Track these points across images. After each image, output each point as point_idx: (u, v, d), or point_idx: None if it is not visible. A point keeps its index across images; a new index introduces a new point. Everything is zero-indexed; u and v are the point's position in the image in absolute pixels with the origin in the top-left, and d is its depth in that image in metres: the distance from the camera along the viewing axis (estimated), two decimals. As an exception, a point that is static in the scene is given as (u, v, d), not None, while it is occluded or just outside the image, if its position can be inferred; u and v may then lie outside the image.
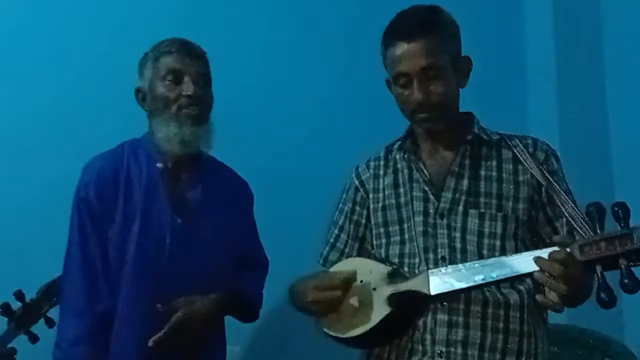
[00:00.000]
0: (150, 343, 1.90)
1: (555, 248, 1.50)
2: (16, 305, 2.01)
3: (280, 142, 2.66)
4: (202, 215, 2.03)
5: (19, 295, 1.99)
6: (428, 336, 1.67)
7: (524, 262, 1.56)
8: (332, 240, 1.94)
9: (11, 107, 2.48)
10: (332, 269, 1.82)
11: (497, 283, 1.63)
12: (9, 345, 2.00)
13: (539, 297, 1.52)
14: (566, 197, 1.66)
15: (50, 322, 2.04)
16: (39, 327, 2.07)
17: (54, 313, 2.03)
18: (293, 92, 2.72)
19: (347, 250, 1.91)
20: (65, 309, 1.95)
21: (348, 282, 1.71)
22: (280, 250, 2.33)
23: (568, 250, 1.48)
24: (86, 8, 2.61)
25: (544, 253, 1.51)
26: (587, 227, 1.51)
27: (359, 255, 1.88)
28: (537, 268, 1.50)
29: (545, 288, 1.50)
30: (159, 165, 2.02)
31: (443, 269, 1.64)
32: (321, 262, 1.93)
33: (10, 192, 2.44)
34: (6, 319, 2.01)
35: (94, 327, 1.92)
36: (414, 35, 1.69)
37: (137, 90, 2.04)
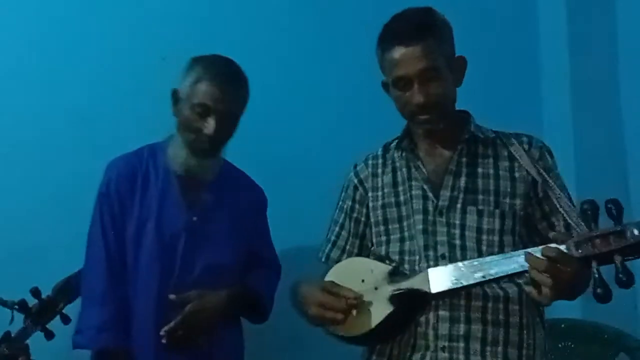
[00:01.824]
0: (161, 332, 2.06)
1: (553, 245, 1.59)
2: (32, 302, 2.07)
3: (285, 141, 2.74)
4: (216, 215, 2.20)
5: (36, 292, 2.08)
6: (431, 332, 1.77)
7: (522, 260, 1.63)
8: (333, 237, 2.04)
9: (27, 108, 2.58)
10: (333, 271, 1.91)
11: (497, 280, 1.73)
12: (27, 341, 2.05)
13: (527, 287, 1.63)
14: (561, 193, 1.76)
15: (65, 319, 2.13)
16: (55, 324, 2.14)
17: (69, 310, 2.13)
18: (299, 91, 2.74)
19: (348, 247, 2.01)
20: (88, 298, 2.10)
21: (351, 305, 1.78)
22: (289, 247, 2.47)
23: (564, 246, 1.57)
24: (102, 9, 2.69)
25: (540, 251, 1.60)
26: (582, 223, 1.59)
27: (360, 251, 1.99)
28: None
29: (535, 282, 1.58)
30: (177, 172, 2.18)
31: (443, 267, 1.74)
32: (323, 259, 2.04)
33: (26, 190, 2.54)
34: (23, 315, 2.05)
35: (118, 315, 2.08)
36: (412, 39, 1.78)
37: (174, 92, 2.19)
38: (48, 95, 2.60)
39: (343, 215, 2.03)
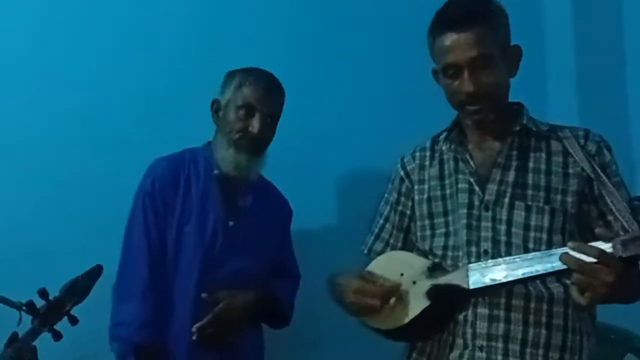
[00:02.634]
0: (193, 329, 2.18)
1: (599, 242, 1.55)
2: (40, 303, 2.07)
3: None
4: (250, 221, 2.36)
5: (43, 293, 2.11)
6: (469, 330, 1.76)
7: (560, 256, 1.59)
8: (377, 230, 2.05)
9: (32, 108, 2.64)
10: (373, 264, 1.92)
11: (538, 278, 1.69)
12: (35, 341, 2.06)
13: (572, 288, 1.58)
14: (615, 191, 1.71)
15: (73, 320, 2.13)
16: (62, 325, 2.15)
17: (77, 311, 2.13)
18: (300, 91, 2.76)
19: (391, 240, 2.02)
20: (129, 292, 2.23)
21: (389, 293, 1.78)
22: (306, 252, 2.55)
23: (609, 245, 1.53)
24: (102, 8, 2.74)
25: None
26: (634, 223, 1.57)
27: (404, 245, 1.98)
28: None
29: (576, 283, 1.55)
30: (216, 172, 2.32)
31: (483, 263, 1.72)
32: (365, 251, 2.05)
33: (34, 190, 2.60)
34: (30, 316, 2.05)
35: (158, 311, 2.19)
36: (464, 25, 1.75)
37: (214, 102, 2.36)
38: (52, 96, 2.64)
39: (388, 207, 2.03)
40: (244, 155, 2.28)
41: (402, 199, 1.99)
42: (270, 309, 2.39)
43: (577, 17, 2.94)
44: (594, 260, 1.51)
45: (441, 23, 1.80)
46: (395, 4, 2.88)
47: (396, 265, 1.85)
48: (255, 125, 2.26)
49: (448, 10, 1.81)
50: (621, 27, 2.95)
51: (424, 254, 1.88)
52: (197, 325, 2.20)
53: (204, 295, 2.22)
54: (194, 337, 2.19)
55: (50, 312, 2.11)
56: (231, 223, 2.31)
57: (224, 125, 2.32)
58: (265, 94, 2.28)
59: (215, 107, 2.36)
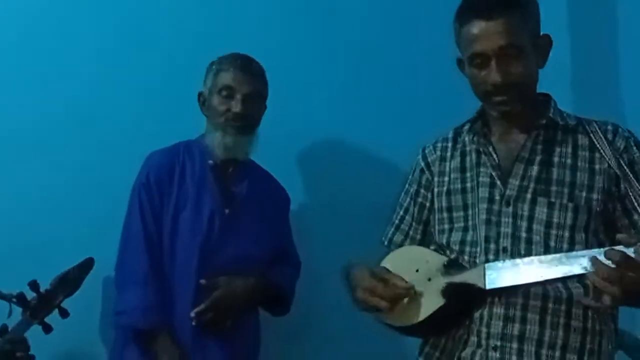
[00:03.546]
0: (192, 314, 2.24)
1: (620, 247, 1.52)
2: (31, 295, 2.08)
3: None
4: (246, 209, 2.42)
5: (34, 286, 2.13)
6: (483, 329, 1.74)
7: (585, 261, 1.56)
8: (396, 221, 2.03)
9: (28, 105, 2.63)
10: (388, 258, 1.89)
11: (556, 281, 1.67)
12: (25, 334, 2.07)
13: (584, 299, 1.58)
14: None
15: (64, 313, 2.15)
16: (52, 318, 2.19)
17: (68, 304, 2.14)
18: (302, 90, 2.78)
19: (411, 232, 1.99)
20: (129, 280, 2.29)
21: (399, 295, 1.76)
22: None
23: (632, 249, 1.50)
24: (104, 7, 2.73)
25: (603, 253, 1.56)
26: None
27: (424, 238, 1.96)
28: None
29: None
30: (210, 162, 2.41)
31: (500, 263, 1.70)
32: (385, 242, 2.03)
33: (24, 184, 2.59)
34: (21, 309, 2.07)
35: (160, 296, 2.25)
36: (493, 13, 1.71)
37: (199, 94, 2.49)
38: (48, 93, 2.64)
39: (408, 199, 2.00)
40: (230, 137, 2.38)
41: (422, 190, 1.95)
42: (271, 296, 2.45)
43: (571, 13, 2.94)
44: (613, 262, 1.48)
45: (469, 10, 1.76)
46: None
47: (411, 261, 1.82)
48: (236, 104, 2.36)
49: None
50: (616, 26, 2.96)
51: (442, 248, 1.86)
52: (195, 310, 2.25)
53: (202, 281, 2.28)
54: (194, 323, 2.25)
55: (41, 305, 2.14)
56: (227, 211, 2.38)
57: (210, 113, 2.43)
58: (242, 73, 2.39)
59: (202, 99, 2.48)
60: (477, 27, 1.71)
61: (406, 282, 1.77)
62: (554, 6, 2.98)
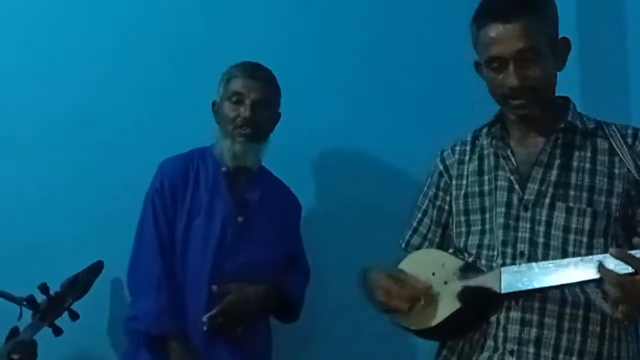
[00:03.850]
0: (203, 319, 2.24)
1: (637, 252, 1.51)
2: (41, 298, 2.10)
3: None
4: (259, 216, 2.44)
5: (44, 289, 2.15)
6: (500, 333, 1.74)
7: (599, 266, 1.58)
8: (415, 224, 2.03)
9: (32, 105, 2.65)
10: (405, 261, 1.90)
11: (573, 286, 1.66)
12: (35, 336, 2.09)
13: (598, 300, 1.57)
14: None
15: (74, 316, 2.17)
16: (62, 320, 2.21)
17: (77, 306, 2.15)
18: (304, 90, 2.78)
19: (429, 235, 1.99)
20: (142, 286, 2.29)
21: (418, 294, 1.77)
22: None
23: None
24: (106, 6, 2.75)
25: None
26: None
27: (443, 241, 1.96)
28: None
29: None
30: (224, 169, 2.42)
31: (516, 267, 1.70)
32: (403, 245, 2.03)
33: (34, 186, 2.61)
34: (31, 311, 2.09)
35: (173, 302, 2.25)
36: (511, 16, 1.71)
37: (213, 103, 2.50)
38: (53, 93, 2.67)
39: (427, 201, 1.99)
40: (239, 145, 2.39)
41: (441, 193, 1.95)
42: (281, 303, 2.46)
43: (579, 15, 2.93)
44: (632, 269, 1.48)
45: (486, 13, 1.75)
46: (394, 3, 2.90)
47: (428, 264, 1.83)
48: (244, 110, 2.38)
49: (492, 0, 1.78)
50: (625, 28, 2.95)
51: (459, 251, 1.85)
52: (207, 314, 2.26)
53: (214, 287, 2.28)
54: (205, 328, 2.25)
55: (51, 308, 2.15)
56: (240, 219, 2.40)
57: (221, 120, 2.45)
58: (251, 80, 2.40)
59: (215, 107, 2.49)
60: (494, 30, 1.71)
61: (422, 283, 1.77)
62: (562, 8, 2.99)
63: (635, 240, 1.53)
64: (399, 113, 2.83)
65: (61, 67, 2.67)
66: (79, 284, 2.23)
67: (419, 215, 2.00)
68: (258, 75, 2.42)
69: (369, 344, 2.58)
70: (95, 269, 2.30)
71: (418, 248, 1.97)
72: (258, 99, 2.39)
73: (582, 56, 2.94)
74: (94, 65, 2.69)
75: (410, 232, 2.01)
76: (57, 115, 2.64)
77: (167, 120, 2.67)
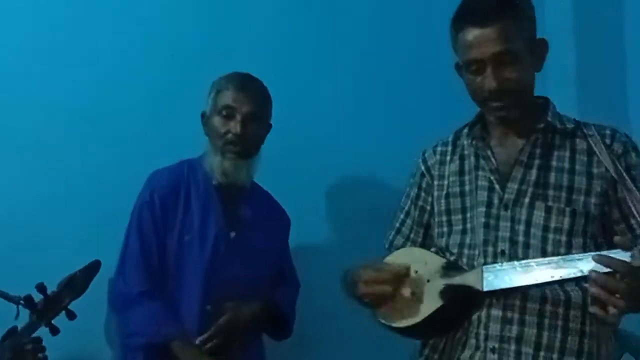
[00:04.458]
0: (197, 341, 2.24)
1: (618, 250, 1.54)
2: (38, 297, 2.10)
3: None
4: (252, 232, 2.41)
5: (41, 288, 2.13)
6: (482, 331, 1.77)
7: (583, 264, 1.59)
8: (397, 224, 2.06)
9: (34, 104, 2.66)
10: (387, 259, 1.92)
11: (554, 284, 1.69)
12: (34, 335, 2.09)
13: (592, 308, 1.55)
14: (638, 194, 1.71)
15: (71, 315, 2.16)
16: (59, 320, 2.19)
17: (75, 306, 2.17)
18: (305, 89, 2.80)
19: (412, 235, 2.02)
20: (131, 301, 2.26)
21: (398, 275, 1.81)
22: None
23: (629, 254, 1.52)
24: (108, 5, 2.77)
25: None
26: None
27: (425, 240, 1.99)
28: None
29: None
30: (214, 182, 2.37)
31: (498, 265, 1.73)
32: (387, 246, 2.07)
33: (31, 186, 2.61)
34: (28, 311, 2.09)
35: (166, 308, 2.24)
36: (488, 19, 1.73)
37: (202, 114, 2.44)
38: (53, 93, 2.67)
39: (409, 202, 2.02)
40: (230, 162, 2.34)
41: (423, 194, 1.98)
42: (273, 320, 2.44)
43: (577, 15, 2.95)
44: (615, 272, 1.50)
45: (464, 17, 1.78)
46: (391, 7, 2.91)
47: (410, 262, 1.84)
48: (236, 125, 2.32)
49: (470, 4, 1.80)
50: (622, 26, 2.97)
51: (441, 250, 1.88)
52: (200, 338, 2.25)
53: (208, 307, 2.27)
54: (197, 343, 2.24)
55: (48, 307, 2.15)
56: (233, 234, 2.37)
57: (211, 134, 2.39)
58: (242, 93, 2.35)
59: (205, 119, 2.43)
60: (472, 33, 1.74)
61: (401, 266, 1.81)
62: (559, 8, 3.01)
63: (616, 238, 1.56)
64: (390, 115, 2.86)
65: (61, 67, 2.67)
66: (76, 284, 2.21)
67: (402, 216, 2.03)
68: (249, 87, 2.37)
69: (362, 349, 2.60)
70: (93, 268, 2.28)
71: (401, 248, 1.98)
72: (249, 112, 2.33)
73: (580, 56, 2.98)
74: (94, 66, 2.70)
75: (393, 232, 2.04)
76: (57, 115, 2.65)
77: (167, 121, 2.67)
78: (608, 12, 3.01)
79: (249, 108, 2.33)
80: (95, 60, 2.71)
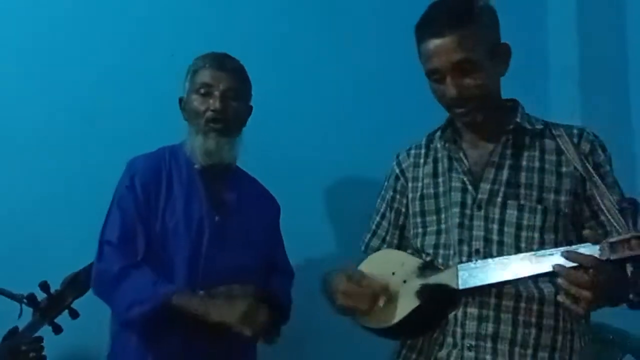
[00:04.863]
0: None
1: (587, 244, 1.56)
2: (41, 296, 2.10)
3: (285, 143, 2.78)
4: (237, 216, 2.29)
5: (44, 287, 2.13)
6: (458, 329, 1.76)
7: (555, 259, 1.60)
8: (373, 227, 2.06)
9: (35, 103, 2.65)
10: (365, 262, 1.94)
11: (528, 280, 1.70)
12: (36, 334, 2.09)
13: (560, 297, 1.57)
14: (607, 191, 1.70)
15: (74, 314, 2.16)
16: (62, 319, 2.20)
17: (78, 305, 2.14)
18: (305, 88, 2.79)
19: (388, 237, 2.02)
20: (118, 279, 2.11)
21: (375, 296, 1.80)
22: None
23: (597, 247, 1.54)
24: (109, 5, 2.77)
25: (574, 249, 1.58)
26: (624, 224, 1.54)
27: (401, 242, 1.99)
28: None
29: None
30: (197, 166, 2.27)
31: (472, 264, 1.73)
32: (363, 248, 2.06)
33: (36, 184, 2.60)
34: (31, 309, 2.09)
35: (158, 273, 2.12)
36: (444, 30, 1.74)
37: (180, 100, 2.35)
38: (54, 92, 2.66)
39: (384, 205, 2.03)
40: (212, 140, 2.24)
41: (398, 196, 2.00)
42: (270, 308, 2.27)
43: (580, 14, 2.95)
44: (584, 266, 1.53)
45: (423, 28, 1.80)
46: (388, 8, 2.91)
47: (388, 264, 1.86)
48: (214, 102, 2.23)
49: (431, 14, 1.81)
50: (624, 25, 2.97)
51: (417, 252, 1.88)
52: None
53: (201, 293, 2.15)
54: None
55: (51, 306, 2.15)
56: (217, 218, 2.26)
57: (190, 116, 2.29)
58: (219, 70, 2.26)
59: (182, 104, 2.34)
60: (431, 44, 1.75)
61: (380, 282, 1.81)
62: (562, 9, 3.02)
63: (586, 232, 1.60)
64: (392, 116, 2.85)
65: (61, 67, 2.66)
66: (80, 282, 2.20)
67: (377, 218, 2.04)
68: (226, 65, 2.28)
69: (359, 345, 2.60)
70: None
71: (377, 250, 2.00)
72: (227, 88, 2.24)
73: (583, 56, 2.98)
74: (94, 66, 2.69)
75: (369, 235, 2.05)
76: (57, 114, 2.64)
77: (167, 120, 2.55)
78: (610, 13, 2.98)
79: (227, 84, 2.25)
80: (95, 60, 2.70)
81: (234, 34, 2.78)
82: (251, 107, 2.37)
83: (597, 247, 1.54)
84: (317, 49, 2.90)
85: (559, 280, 1.55)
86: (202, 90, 2.25)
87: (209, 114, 2.24)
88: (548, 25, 3.09)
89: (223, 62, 2.28)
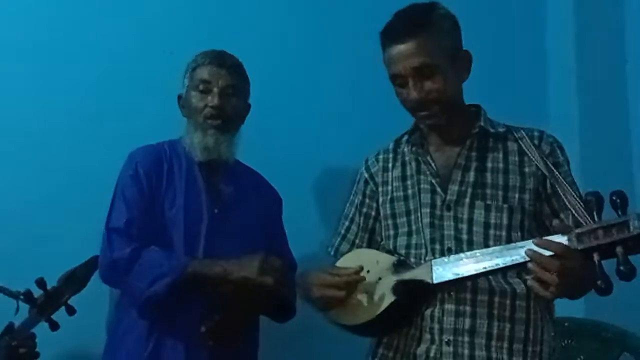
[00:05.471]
0: (202, 329, 2.11)
1: (556, 236, 1.58)
2: (38, 292, 2.11)
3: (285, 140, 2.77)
4: (237, 209, 2.27)
5: (41, 283, 2.10)
6: (436, 325, 1.78)
7: (524, 251, 1.63)
8: (342, 231, 2.06)
9: (35, 102, 2.63)
10: (340, 261, 1.94)
11: (499, 271, 1.72)
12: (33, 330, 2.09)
13: (530, 282, 1.60)
14: (569, 188, 1.74)
15: (71, 310, 2.15)
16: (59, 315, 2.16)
17: (74, 301, 2.14)
18: (305, 88, 2.81)
19: (357, 241, 2.03)
20: (129, 263, 2.13)
21: (351, 279, 1.81)
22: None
23: (566, 238, 1.57)
24: (109, 4, 2.75)
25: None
26: (588, 218, 1.57)
27: (369, 246, 2.00)
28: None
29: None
30: (196, 160, 2.23)
31: (445, 259, 1.75)
32: (332, 252, 2.06)
33: (33, 181, 2.59)
34: (28, 306, 2.09)
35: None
36: (404, 36, 1.79)
37: (179, 97, 2.31)
38: (54, 91, 2.64)
39: (353, 209, 2.04)
40: (211, 137, 2.23)
41: (367, 200, 2.01)
42: (275, 301, 2.27)
43: (578, 16, 2.95)
44: (554, 253, 1.56)
45: (385, 35, 1.84)
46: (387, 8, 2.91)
47: (362, 262, 1.86)
48: (213, 98, 2.22)
49: (392, 22, 1.86)
50: (622, 27, 2.98)
51: (390, 253, 1.89)
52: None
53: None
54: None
55: (48, 302, 2.12)
56: (216, 210, 2.24)
57: (189, 112, 2.27)
58: (218, 66, 2.25)
59: (181, 102, 2.32)
60: (393, 50, 1.80)
61: (354, 269, 1.82)
62: (560, 9, 3.03)
63: (555, 222, 1.65)
64: (392, 115, 2.86)
65: (61, 67, 2.65)
66: (76, 279, 2.17)
67: (347, 223, 2.05)
68: (226, 62, 2.26)
69: (360, 344, 2.60)
70: (93, 263, 2.20)
71: (346, 254, 2.00)
72: (227, 85, 2.22)
73: (579, 58, 2.99)
74: (94, 65, 2.66)
75: (338, 239, 2.05)
76: (57, 113, 2.61)
77: (167, 120, 2.51)
78: (608, 12, 2.96)
79: (226, 81, 2.23)
80: (95, 60, 2.66)
81: (232, 32, 2.73)
82: (249, 105, 2.33)
83: (565, 237, 1.57)
84: (314, 46, 2.87)
85: (530, 265, 1.57)
86: (201, 87, 2.23)
87: (207, 110, 2.22)
88: (546, 26, 3.09)
89: (222, 59, 2.26)
